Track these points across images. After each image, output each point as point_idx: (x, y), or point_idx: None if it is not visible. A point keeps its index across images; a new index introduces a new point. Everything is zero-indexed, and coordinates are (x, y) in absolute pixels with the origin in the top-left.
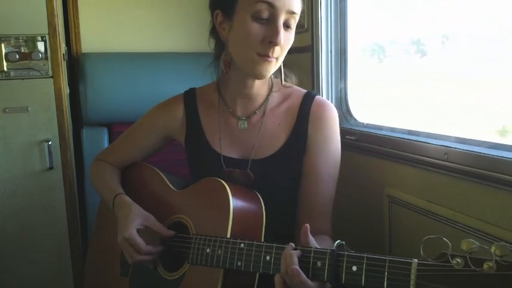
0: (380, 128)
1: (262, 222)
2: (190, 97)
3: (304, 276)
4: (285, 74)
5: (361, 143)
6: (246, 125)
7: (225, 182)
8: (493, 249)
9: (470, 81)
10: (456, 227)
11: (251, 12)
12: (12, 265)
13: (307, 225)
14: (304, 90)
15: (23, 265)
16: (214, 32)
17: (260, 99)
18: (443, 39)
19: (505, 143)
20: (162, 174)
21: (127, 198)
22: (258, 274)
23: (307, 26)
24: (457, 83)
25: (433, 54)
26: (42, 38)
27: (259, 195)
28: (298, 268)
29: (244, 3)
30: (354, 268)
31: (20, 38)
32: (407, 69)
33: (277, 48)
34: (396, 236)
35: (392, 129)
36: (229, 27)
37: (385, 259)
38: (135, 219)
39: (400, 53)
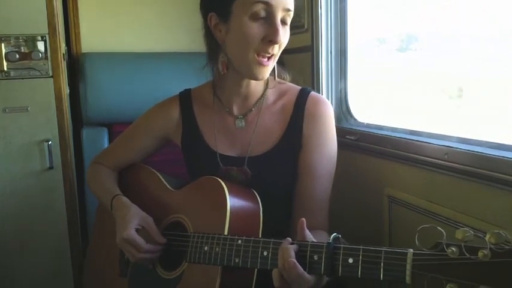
0: (380, 127)
1: (260, 220)
2: (185, 98)
3: (301, 268)
4: (278, 70)
5: (362, 143)
6: (243, 124)
7: (222, 180)
8: (487, 237)
9: (469, 81)
10: (456, 227)
11: (249, 13)
12: (12, 265)
13: (304, 219)
14: (300, 87)
15: (23, 265)
16: (208, 34)
17: (256, 97)
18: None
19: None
20: (158, 175)
21: (125, 199)
22: (256, 270)
23: (307, 26)
24: (457, 83)
25: (433, 54)
26: (42, 37)
27: (256, 193)
28: (295, 261)
29: (240, 5)
30: (350, 260)
31: (20, 38)
32: (407, 69)
33: (276, 46)
34: (396, 236)
35: (393, 129)
36: (226, 29)
37: (381, 250)
38: (132, 220)
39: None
